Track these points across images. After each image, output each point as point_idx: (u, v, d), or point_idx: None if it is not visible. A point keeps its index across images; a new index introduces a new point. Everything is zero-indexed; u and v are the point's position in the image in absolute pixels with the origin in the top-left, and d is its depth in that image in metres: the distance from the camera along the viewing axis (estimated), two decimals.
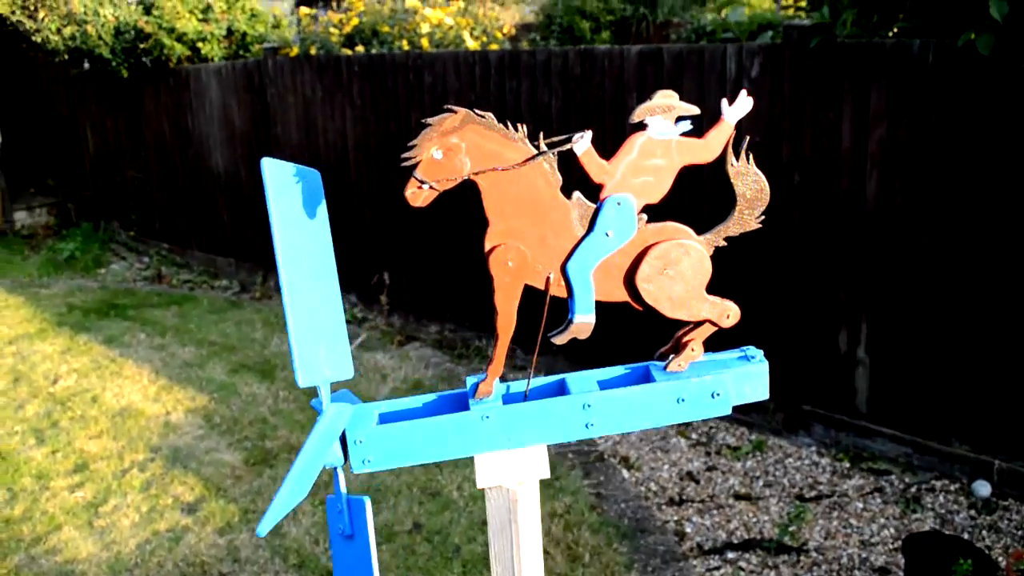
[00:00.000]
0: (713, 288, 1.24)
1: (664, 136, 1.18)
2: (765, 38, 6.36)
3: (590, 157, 1.17)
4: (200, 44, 7.74)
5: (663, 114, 1.17)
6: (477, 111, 1.13)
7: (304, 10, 7.34)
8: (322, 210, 1.30)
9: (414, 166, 1.14)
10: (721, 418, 5.16)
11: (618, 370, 1.32)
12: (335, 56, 6.59)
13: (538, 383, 1.31)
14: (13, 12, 8.36)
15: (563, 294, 1.23)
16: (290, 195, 1.24)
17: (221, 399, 5.64)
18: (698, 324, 1.27)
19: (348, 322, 7.08)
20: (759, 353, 1.30)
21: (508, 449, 1.23)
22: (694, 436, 5.14)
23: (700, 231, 1.24)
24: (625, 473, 4.76)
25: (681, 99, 1.15)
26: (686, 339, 1.27)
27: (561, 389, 1.30)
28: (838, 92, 4.29)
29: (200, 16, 7.87)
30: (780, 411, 4.89)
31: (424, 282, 6.70)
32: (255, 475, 4.67)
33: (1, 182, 10.44)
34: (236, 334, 6.87)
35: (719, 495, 4.55)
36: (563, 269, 1.21)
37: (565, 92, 5.39)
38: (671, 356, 1.29)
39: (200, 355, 6.43)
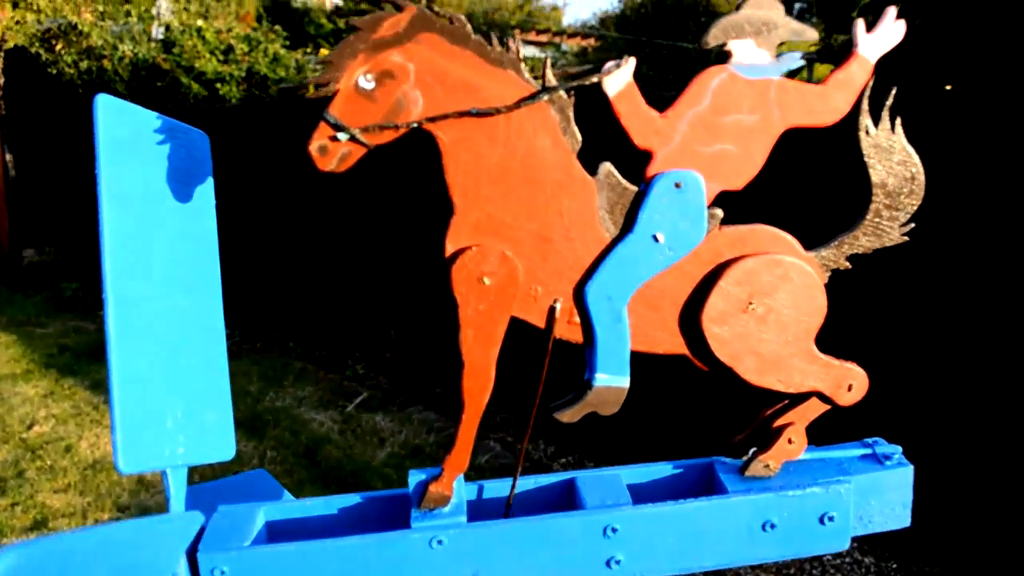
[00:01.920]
0: (824, 342, 0.74)
1: (758, 74, 0.69)
2: None
3: (631, 102, 0.69)
4: (218, 85, 7.47)
5: (756, 36, 0.68)
6: (437, 10, 0.65)
7: (324, 51, 7.05)
8: (206, 195, 0.82)
9: (325, 102, 0.66)
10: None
11: (663, 467, 0.80)
12: None
13: (531, 484, 0.79)
14: (32, 44, 8.18)
15: (577, 339, 0.72)
16: (143, 160, 0.77)
17: None
18: (799, 399, 0.76)
19: (348, 379, 6.60)
20: (896, 450, 0.78)
21: None
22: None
23: (809, 244, 0.74)
24: None
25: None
26: (779, 423, 0.76)
27: (569, 498, 0.78)
28: None
29: (220, 57, 7.62)
30: None
31: (431, 340, 6.22)
32: None
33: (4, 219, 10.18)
34: (231, 387, 6.39)
35: None
36: (579, 295, 0.71)
37: None
38: (753, 450, 0.78)
39: None
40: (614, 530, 0.72)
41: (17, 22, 7.70)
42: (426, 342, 6.32)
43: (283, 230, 7.37)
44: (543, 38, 16.56)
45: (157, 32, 8.34)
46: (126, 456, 0.70)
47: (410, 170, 6.02)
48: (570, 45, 17.09)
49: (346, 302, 6.85)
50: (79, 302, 9.24)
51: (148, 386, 0.72)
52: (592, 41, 16.90)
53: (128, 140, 0.76)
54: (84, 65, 7.91)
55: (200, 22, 7.78)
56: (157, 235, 0.77)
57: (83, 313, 9.02)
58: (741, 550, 0.74)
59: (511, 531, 0.72)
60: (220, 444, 0.78)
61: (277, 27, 7.98)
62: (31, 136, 11.15)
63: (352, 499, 0.79)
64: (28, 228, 11.06)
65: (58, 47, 7.98)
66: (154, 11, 9.70)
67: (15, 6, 7.87)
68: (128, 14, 7.98)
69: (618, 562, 0.73)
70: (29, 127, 11.10)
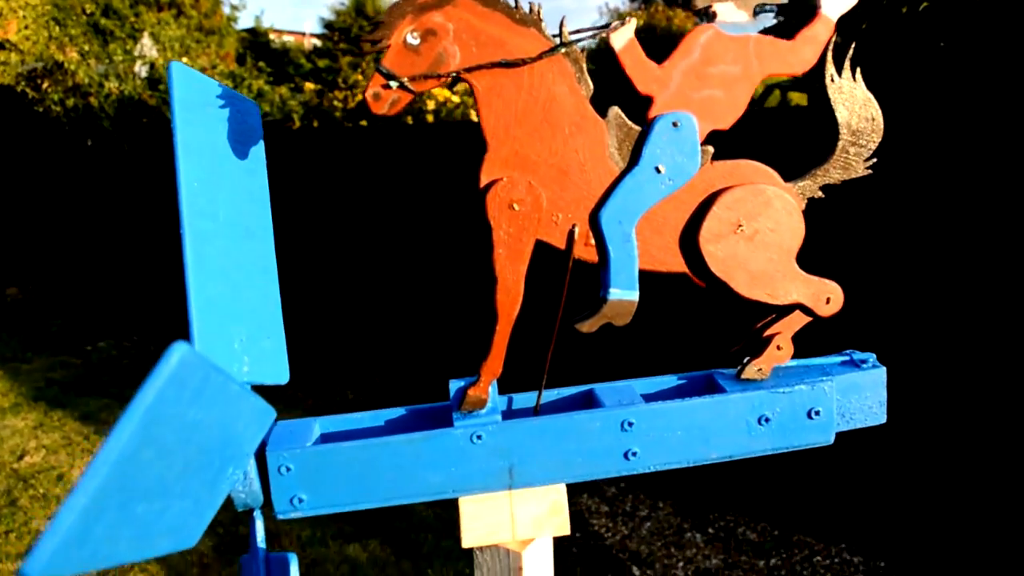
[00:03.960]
0: (804, 263, 0.87)
1: (739, 31, 0.82)
2: None
3: (634, 54, 0.82)
4: None
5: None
6: None
7: (309, 85, 7.21)
8: (258, 156, 0.94)
9: (378, 55, 0.78)
10: (740, 510, 4.68)
11: (669, 379, 0.92)
12: (338, 128, 6.41)
13: (553, 395, 0.90)
14: (18, 83, 8.28)
15: (592, 259, 0.84)
16: (209, 120, 0.89)
17: None
18: (785, 311, 0.88)
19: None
20: (871, 357, 0.90)
21: (509, 489, 0.83)
22: (711, 530, 4.64)
23: (788, 176, 0.87)
24: (636, 571, 4.25)
25: None
26: (768, 333, 0.88)
27: (588, 403, 0.90)
28: None
29: None
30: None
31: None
32: (224, 564, 4.17)
33: None
34: None
35: None
36: (593, 220, 0.83)
37: None
38: (747, 358, 0.90)
39: None
40: (630, 424, 0.83)
41: (3, 63, 7.81)
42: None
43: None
44: None
45: (140, 70, 8.46)
46: (246, 369, 0.82)
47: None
48: None
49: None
50: (63, 338, 9.24)
51: (217, 311, 0.83)
52: None
53: (196, 102, 0.87)
54: (70, 103, 8.01)
55: (184, 60, 7.92)
56: (221, 184, 0.89)
57: (68, 349, 9.02)
58: (741, 443, 0.85)
59: (541, 425, 0.83)
60: (277, 369, 0.89)
61: (261, 63, 8.13)
62: (15, 174, 11.18)
63: (397, 412, 0.90)
64: (11, 266, 11.05)
65: (44, 85, 8.08)
66: (137, 50, 9.84)
67: (0, 47, 7.98)
68: (111, 53, 8.11)
69: (635, 454, 0.84)
70: (13, 165, 11.12)
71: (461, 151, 5.72)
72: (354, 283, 6.83)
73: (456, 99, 7.05)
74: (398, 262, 6.46)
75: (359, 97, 6.83)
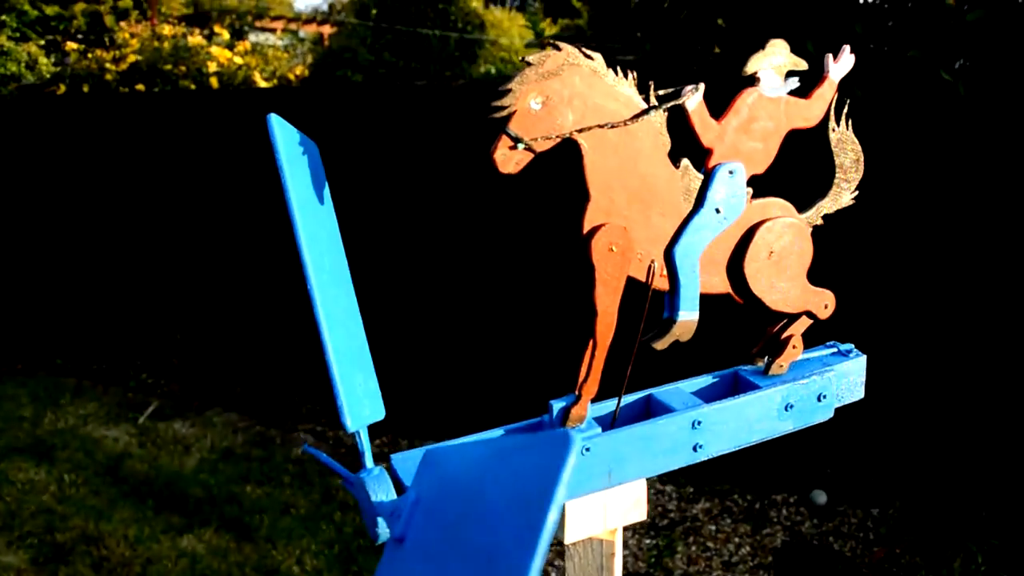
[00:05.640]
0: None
1: (774, 94, 1.00)
2: None
3: (701, 115, 0.97)
4: None
5: (776, 67, 0.99)
6: (584, 49, 0.88)
7: (72, 45, 6.50)
8: (328, 196, 0.98)
9: (504, 120, 0.86)
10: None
11: (704, 379, 1.11)
12: (112, 94, 5.87)
13: (612, 406, 1.05)
14: None
15: (665, 287, 1.00)
16: (301, 169, 0.92)
17: None
18: (795, 317, 1.09)
19: (133, 389, 6.24)
20: (851, 347, 1.14)
21: (608, 488, 0.97)
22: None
23: (798, 209, 1.07)
24: None
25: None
26: (785, 335, 1.09)
27: (648, 407, 1.06)
28: None
29: None
30: None
31: (223, 339, 6.07)
32: None
33: None
34: None
35: None
36: (668, 255, 0.98)
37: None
38: (767, 357, 1.10)
39: None
40: (699, 423, 1.00)
41: None
42: (217, 342, 6.15)
43: (40, 238, 6.71)
44: (278, 24, 16.13)
45: None
46: (352, 417, 0.86)
47: (183, 162, 5.79)
48: (307, 32, 16.79)
49: (119, 307, 6.43)
50: None
51: (345, 360, 0.88)
52: (328, 28, 16.70)
53: (293, 153, 0.90)
54: None
55: None
56: (321, 233, 0.92)
57: None
58: (774, 426, 1.05)
59: (634, 433, 0.97)
60: (378, 407, 0.95)
61: (6, 17, 7.17)
62: None
63: (496, 432, 1.00)
64: None
65: None
66: None
67: None
68: None
69: (701, 446, 1.01)
70: None
71: (252, 119, 5.50)
72: (137, 251, 6.37)
73: (239, 60, 6.70)
74: (185, 221, 6.10)
75: (132, 58, 6.29)
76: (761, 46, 0.98)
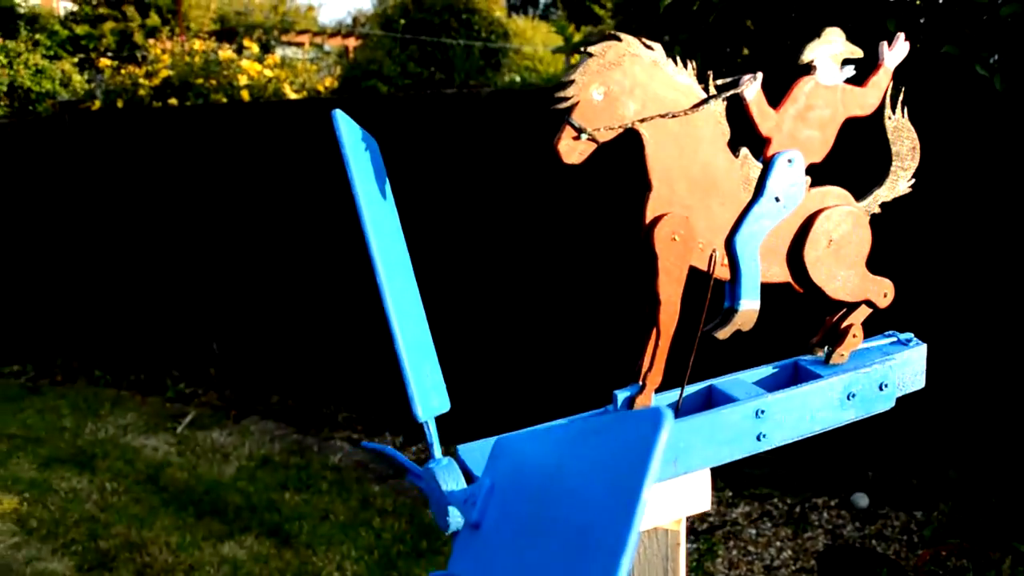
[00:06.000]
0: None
1: (830, 82, 1.00)
2: None
3: (760, 104, 0.97)
4: None
5: (832, 56, 0.99)
6: (644, 40, 0.89)
7: (105, 61, 6.62)
8: (389, 192, 0.99)
9: (567, 111, 0.87)
10: None
11: (765, 369, 1.11)
12: (146, 109, 5.98)
13: (665, 396, 1.05)
14: None
15: (726, 277, 1.00)
16: (364, 163, 0.94)
17: (35, 499, 4.75)
18: (855, 306, 1.09)
19: (171, 400, 6.32)
20: (911, 336, 1.14)
21: (674, 477, 0.97)
22: None
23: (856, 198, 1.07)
24: None
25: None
26: (845, 324, 1.09)
27: (710, 397, 1.06)
28: None
29: None
30: None
31: (260, 349, 6.13)
32: None
33: None
34: (40, 424, 5.89)
35: None
36: (728, 244, 0.98)
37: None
38: (827, 346, 1.10)
39: None
40: (762, 412, 1.00)
41: None
42: (254, 352, 6.21)
43: (76, 250, 6.83)
44: (304, 39, 16.32)
45: None
46: (423, 406, 0.88)
47: (204, 171, 5.87)
48: (332, 45, 16.97)
49: (156, 319, 6.53)
50: None
51: (414, 350, 0.89)
52: (353, 40, 16.87)
53: (357, 148, 0.92)
54: None
55: None
56: (385, 225, 0.94)
57: None
58: (835, 415, 1.04)
59: (699, 422, 0.97)
60: (444, 399, 0.96)
61: (39, 36, 7.33)
62: None
63: (560, 422, 1.01)
64: None
65: None
66: None
67: None
68: None
69: (764, 435, 1.01)
70: None
71: (286, 132, 5.57)
72: (174, 262, 6.46)
73: (269, 73, 6.79)
74: (220, 230, 6.18)
75: (164, 73, 6.40)
76: (817, 34, 0.98)
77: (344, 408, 5.82)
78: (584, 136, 0.88)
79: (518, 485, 0.75)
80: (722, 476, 4.68)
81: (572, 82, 0.86)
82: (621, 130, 0.90)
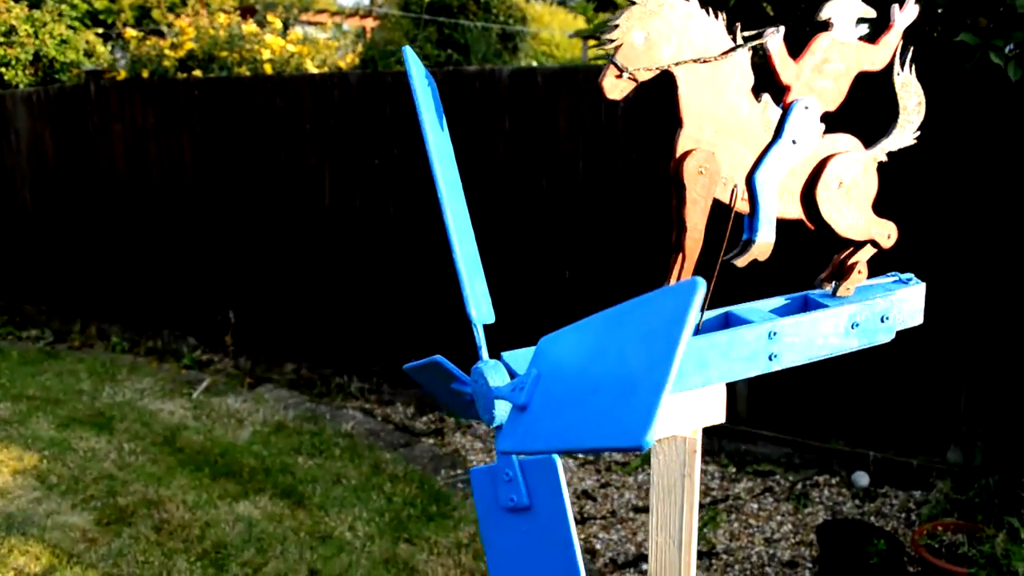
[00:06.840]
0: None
1: (846, 38, 1.11)
2: None
3: (781, 55, 1.08)
4: (2, 69, 6.88)
5: (848, 14, 1.10)
6: None
7: (131, 32, 6.73)
8: (446, 125, 1.11)
9: (612, 52, 0.98)
10: None
11: (777, 300, 1.21)
12: (172, 80, 6.08)
13: (698, 318, 1.16)
14: None
15: (745, 211, 1.11)
16: (427, 96, 1.05)
17: (54, 457, 4.89)
18: (861, 245, 1.20)
19: (187, 367, 6.46)
20: (912, 276, 1.25)
21: (692, 388, 1.08)
22: (580, 456, 5.10)
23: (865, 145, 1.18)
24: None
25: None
26: (852, 261, 1.20)
27: (727, 323, 1.17)
28: None
29: (1, 39, 7.01)
30: None
31: (275, 318, 6.26)
32: (112, 535, 4.06)
33: None
34: (59, 386, 6.03)
35: (619, 510, 4.51)
36: (749, 181, 1.09)
37: None
38: (834, 282, 1.21)
39: (19, 411, 5.58)
40: (775, 333, 1.11)
41: None
42: (269, 321, 6.32)
43: (96, 219, 6.96)
44: (323, 18, 16.40)
45: None
46: (476, 311, 0.99)
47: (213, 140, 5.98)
48: (350, 25, 17.05)
49: (173, 288, 6.65)
50: None
51: (470, 263, 1.01)
52: (371, 21, 16.92)
53: (422, 83, 1.04)
54: None
55: None
56: (445, 152, 1.05)
57: None
58: (841, 342, 1.15)
59: (716, 339, 1.08)
60: (490, 312, 1.07)
61: (64, 6, 7.44)
62: None
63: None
64: None
65: None
66: None
67: None
68: None
69: (775, 356, 1.12)
70: None
71: (311, 107, 5.68)
72: (189, 231, 6.57)
73: (292, 48, 6.89)
74: (236, 202, 6.29)
75: (189, 45, 6.50)
76: None
77: (358, 379, 5.95)
78: (625, 75, 0.99)
79: (563, 370, 0.86)
80: (726, 452, 4.80)
81: (617, 27, 0.97)
82: (658, 71, 1.01)
